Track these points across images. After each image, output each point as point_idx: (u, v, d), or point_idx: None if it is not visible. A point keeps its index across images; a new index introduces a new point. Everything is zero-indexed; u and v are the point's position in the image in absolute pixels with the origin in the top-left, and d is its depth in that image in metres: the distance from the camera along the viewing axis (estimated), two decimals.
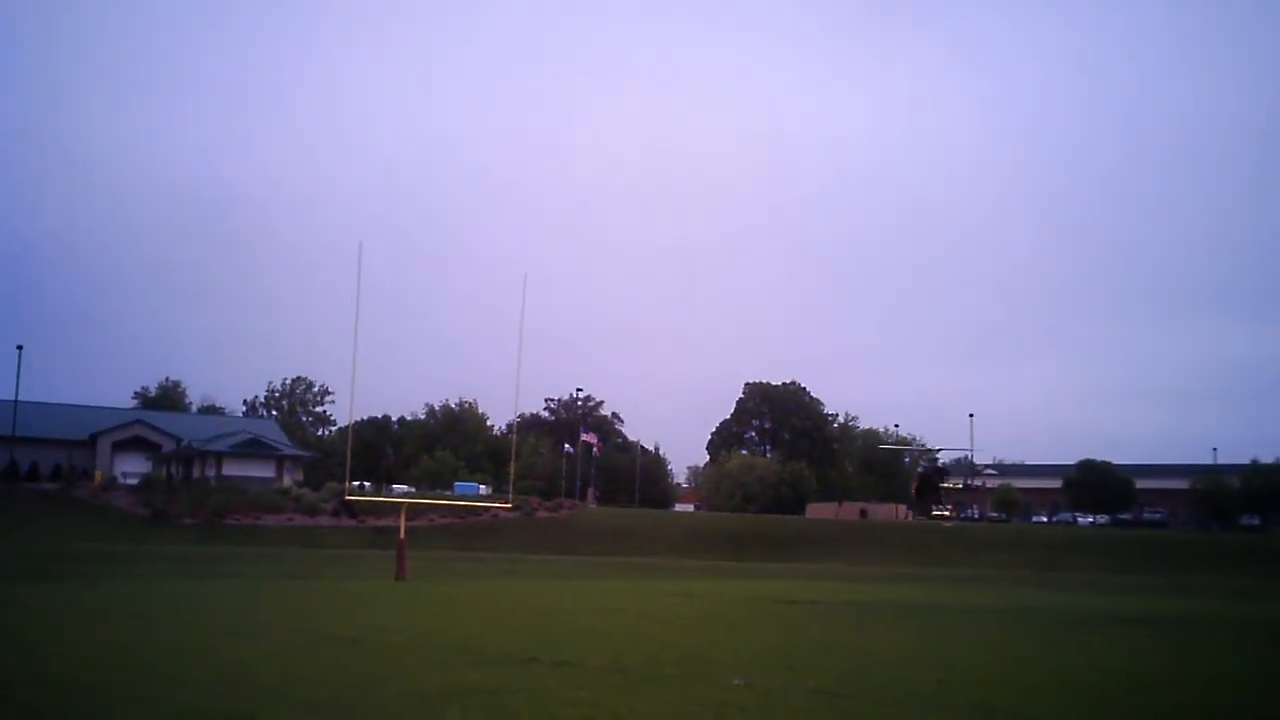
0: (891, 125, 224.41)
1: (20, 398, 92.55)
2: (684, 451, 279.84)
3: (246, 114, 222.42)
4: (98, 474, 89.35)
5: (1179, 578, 63.63)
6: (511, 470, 64.82)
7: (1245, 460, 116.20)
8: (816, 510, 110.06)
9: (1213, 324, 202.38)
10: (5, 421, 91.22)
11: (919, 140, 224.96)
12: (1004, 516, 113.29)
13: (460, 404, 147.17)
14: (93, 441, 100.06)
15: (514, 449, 76.63)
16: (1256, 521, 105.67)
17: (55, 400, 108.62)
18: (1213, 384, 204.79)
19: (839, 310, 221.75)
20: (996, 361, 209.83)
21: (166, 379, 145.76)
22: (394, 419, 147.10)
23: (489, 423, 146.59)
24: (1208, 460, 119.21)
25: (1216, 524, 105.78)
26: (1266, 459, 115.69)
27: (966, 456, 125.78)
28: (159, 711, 10.21)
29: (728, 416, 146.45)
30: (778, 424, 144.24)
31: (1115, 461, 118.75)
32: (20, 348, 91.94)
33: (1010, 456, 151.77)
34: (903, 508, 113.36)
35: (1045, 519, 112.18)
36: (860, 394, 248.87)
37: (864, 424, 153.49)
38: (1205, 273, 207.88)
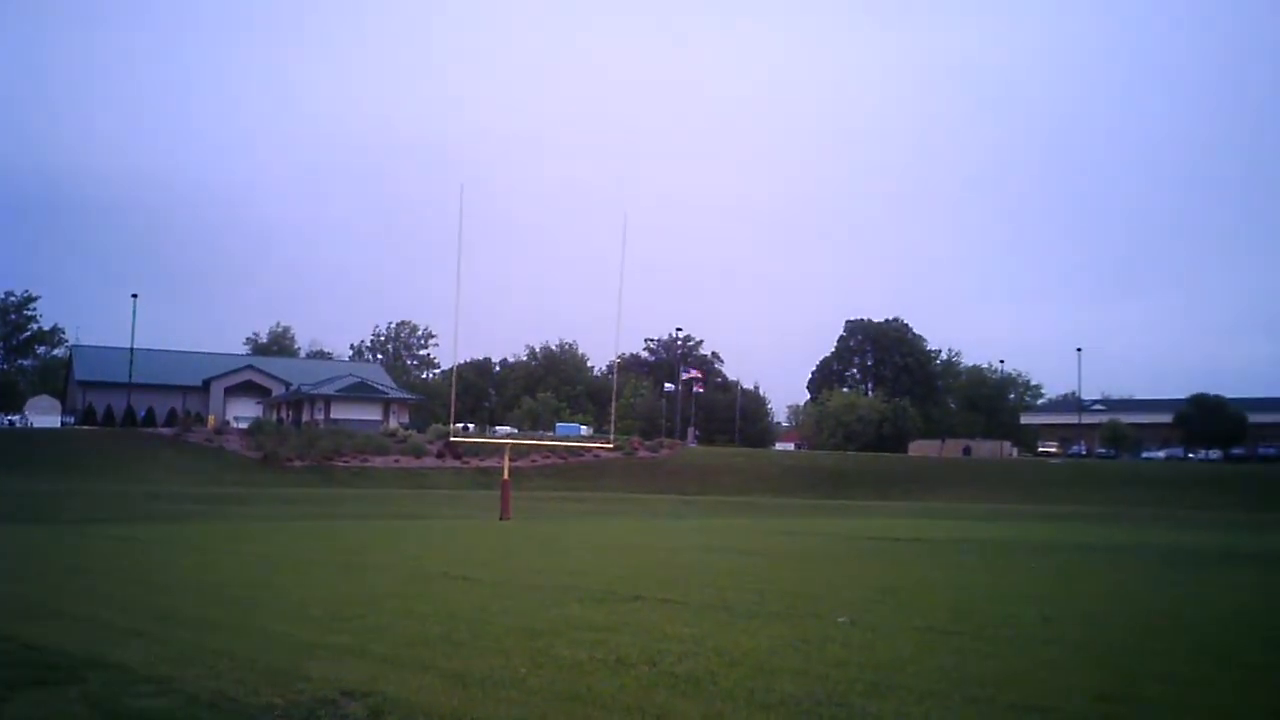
0: (992, 62, 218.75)
1: (136, 345, 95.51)
2: (784, 390, 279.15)
3: (346, 57, 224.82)
4: (211, 418, 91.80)
5: None
6: (613, 410, 65.14)
7: None
8: (919, 448, 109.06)
9: None
10: (123, 368, 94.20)
11: (1019, 77, 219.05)
12: (1113, 452, 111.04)
13: (561, 345, 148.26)
14: (206, 387, 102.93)
15: (615, 389, 77.19)
16: None
17: (170, 348, 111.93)
18: None
19: (942, 247, 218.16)
20: (1105, 296, 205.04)
21: (276, 325, 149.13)
22: (496, 361, 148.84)
23: (589, 363, 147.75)
24: None
25: None
26: None
27: (1073, 392, 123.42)
28: (281, 645, 10.55)
29: (828, 354, 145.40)
30: (880, 361, 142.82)
31: (1228, 395, 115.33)
32: (135, 296, 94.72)
33: (1119, 391, 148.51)
34: (1008, 444, 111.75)
35: (1156, 454, 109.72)
36: (964, 330, 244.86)
37: (968, 360, 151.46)
38: None
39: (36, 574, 17.77)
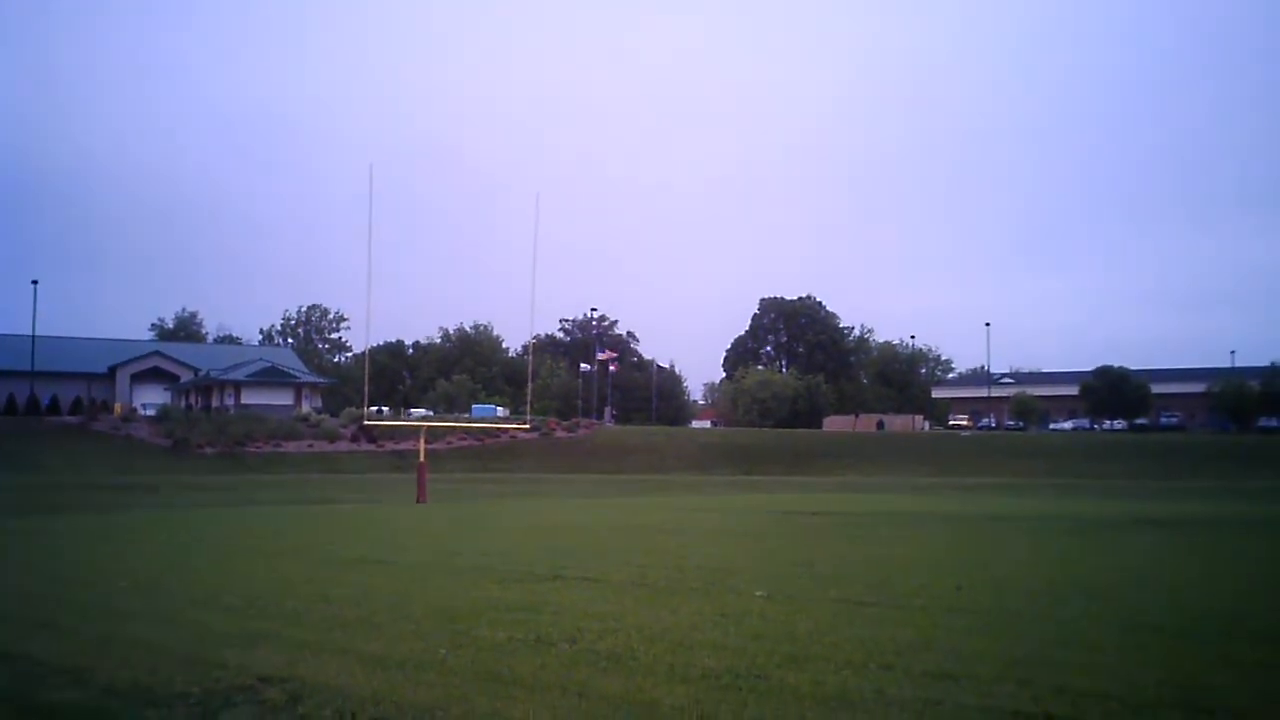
0: (904, 39, 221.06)
1: (38, 332, 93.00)
2: (700, 368, 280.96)
3: (254, 36, 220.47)
4: (117, 406, 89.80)
5: (1198, 481, 63.80)
6: (529, 391, 64.93)
7: (1264, 363, 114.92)
8: (834, 423, 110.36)
9: (1230, 226, 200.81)
10: (24, 356, 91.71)
11: (931, 54, 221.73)
12: (1022, 424, 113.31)
13: (475, 327, 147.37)
14: (111, 374, 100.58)
15: (530, 370, 76.89)
16: (1276, 424, 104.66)
17: (73, 334, 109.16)
18: (1231, 286, 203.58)
19: (854, 224, 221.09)
20: (1012, 271, 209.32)
21: (183, 310, 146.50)
22: (409, 344, 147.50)
23: (504, 345, 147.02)
24: (1226, 364, 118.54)
25: (1236, 427, 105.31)
26: None
27: (982, 366, 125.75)
28: (192, 634, 10.38)
29: (743, 332, 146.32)
30: (793, 338, 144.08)
31: (1132, 367, 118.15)
32: (36, 282, 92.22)
33: (1027, 365, 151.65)
34: (919, 418, 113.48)
35: (1063, 426, 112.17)
36: (876, 306, 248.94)
37: (880, 336, 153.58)
38: (1221, 175, 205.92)
39: None
